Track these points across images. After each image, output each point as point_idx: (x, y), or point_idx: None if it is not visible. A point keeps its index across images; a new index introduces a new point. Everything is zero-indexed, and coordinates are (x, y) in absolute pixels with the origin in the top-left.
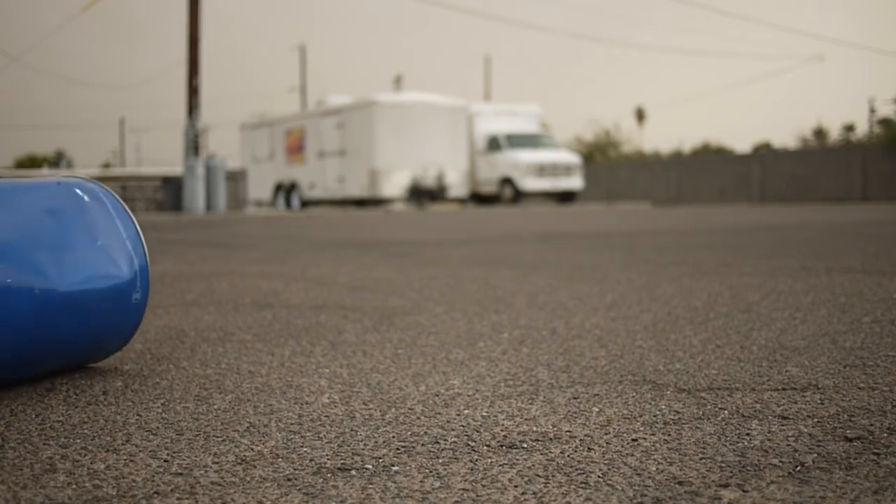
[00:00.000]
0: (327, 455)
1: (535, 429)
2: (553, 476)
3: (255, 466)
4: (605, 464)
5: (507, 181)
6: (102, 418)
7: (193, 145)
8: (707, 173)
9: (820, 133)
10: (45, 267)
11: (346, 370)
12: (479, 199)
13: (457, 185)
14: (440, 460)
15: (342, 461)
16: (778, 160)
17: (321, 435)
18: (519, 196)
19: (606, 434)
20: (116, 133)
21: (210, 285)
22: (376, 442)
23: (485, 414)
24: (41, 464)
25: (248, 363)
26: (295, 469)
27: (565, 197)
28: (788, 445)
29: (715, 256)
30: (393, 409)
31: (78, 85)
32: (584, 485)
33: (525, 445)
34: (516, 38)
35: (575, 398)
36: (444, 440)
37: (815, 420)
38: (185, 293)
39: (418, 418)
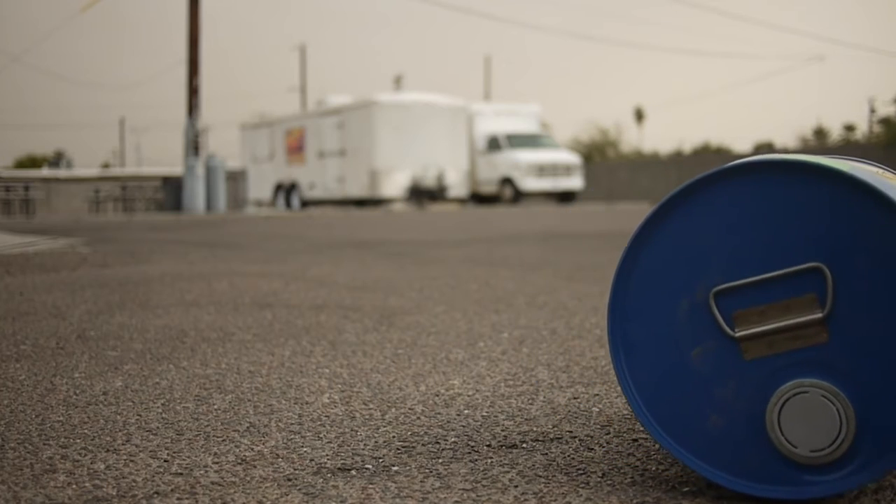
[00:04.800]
0: (327, 455)
1: (535, 429)
2: (554, 476)
3: (255, 466)
4: (605, 464)
5: (507, 181)
6: (102, 418)
7: (193, 145)
8: None
9: (820, 133)
10: None
11: (346, 370)
12: (479, 199)
13: (457, 185)
14: (440, 460)
15: (342, 461)
16: None
17: (321, 435)
18: (519, 196)
19: (607, 434)
20: (116, 133)
21: (210, 285)
22: (376, 442)
23: (485, 414)
24: (41, 464)
25: (248, 363)
26: (295, 469)
27: (565, 197)
28: None
29: None
30: (393, 409)
31: (78, 85)
32: (584, 485)
33: (525, 445)
34: (516, 38)
35: (575, 398)
36: (445, 440)
37: None
38: (185, 293)
39: (418, 418)
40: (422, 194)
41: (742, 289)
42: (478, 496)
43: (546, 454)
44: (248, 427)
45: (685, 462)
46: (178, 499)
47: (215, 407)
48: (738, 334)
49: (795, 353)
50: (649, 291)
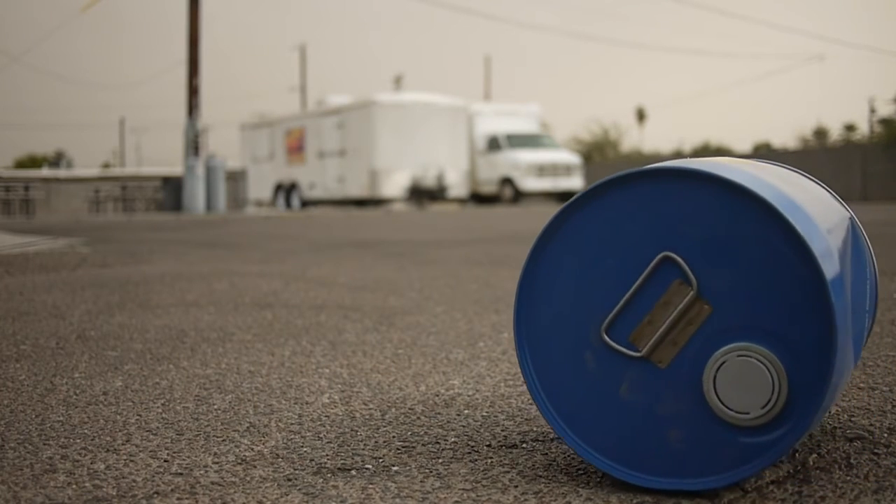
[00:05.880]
0: (327, 455)
1: (535, 429)
2: (554, 476)
3: (255, 466)
4: None
5: (507, 181)
6: (102, 418)
7: (193, 145)
8: None
9: (820, 133)
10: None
11: (346, 370)
12: (479, 199)
13: (457, 185)
14: (440, 460)
15: (342, 461)
16: (777, 160)
17: (321, 435)
18: (519, 196)
19: None
20: (116, 133)
21: (210, 285)
22: (376, 442)
23: (485, 414)
24: (41, 464)
25: (248, 363)
26: (295, 469)
27: (565, 197)
28: None
29: None
30: (393, 409)
31: (78, 85)
32: (584, 485)
33: (525, 445)
34: (516, 38)
35: None
36: (445, 440)
37: None
38: (185, 293)
39: (418, 418)
40: (422, 194)
41: (622, 312)
42: (478, 496)
43: (546, 454)
44: (248, 427)
45: (671, 489)
46: (178, 499)
47: (215, 407)
48: (644, 352)
49: (697, 336)
50: (552, 359)
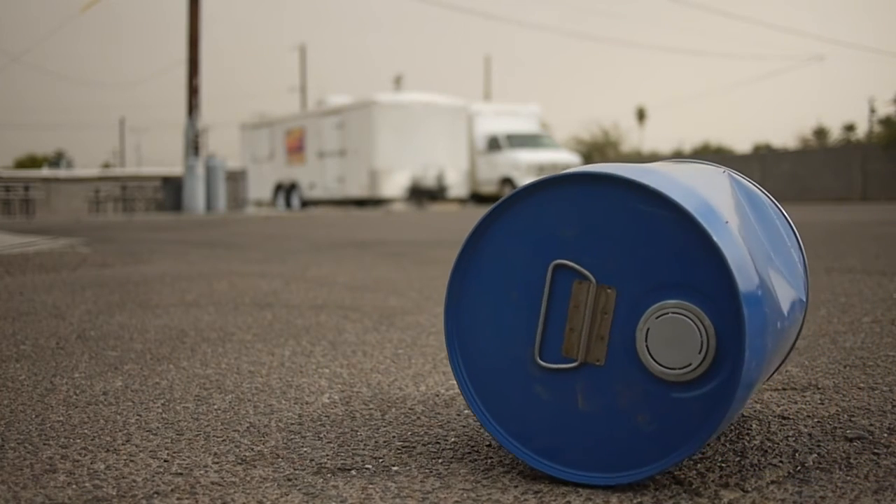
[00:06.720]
0: (327, 455)
1: None
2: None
3: (255, 466)
4: None
5: (507, 181)
6: (102, 418)
7: (193, 145)
8: None
9: (820, 133)
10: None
11: (346, 370)
12: (479, 199)
13: (457, 185)
14: (441, 460)
15: (342, 461)
16: (778, 160)
17: (321, 435)
18: None
19: None
20: (116, 133)
21: (210, 285)
22: (377, 442)
23: None
24: (41, 464)
25: (248, 363)
26: (295, 469)
27: None
28: (788, 445)
29: None
30: (393, 409)
31: (78, 85)
32: (584, 484)
33: None
34: (516, 38)
35: None
36: (445, 440)
37: (815, 420)
38: (185, 293)
39: (419, 418)
40: (422, 194)
41: (544, 336)
42: (478, 496)
43: None
44: (248, 427)
45: (663, 469)
46: (178, 499)
47: (215, 407)
48: (579, 359)
49: (616, 321)
50: (509, 404)
